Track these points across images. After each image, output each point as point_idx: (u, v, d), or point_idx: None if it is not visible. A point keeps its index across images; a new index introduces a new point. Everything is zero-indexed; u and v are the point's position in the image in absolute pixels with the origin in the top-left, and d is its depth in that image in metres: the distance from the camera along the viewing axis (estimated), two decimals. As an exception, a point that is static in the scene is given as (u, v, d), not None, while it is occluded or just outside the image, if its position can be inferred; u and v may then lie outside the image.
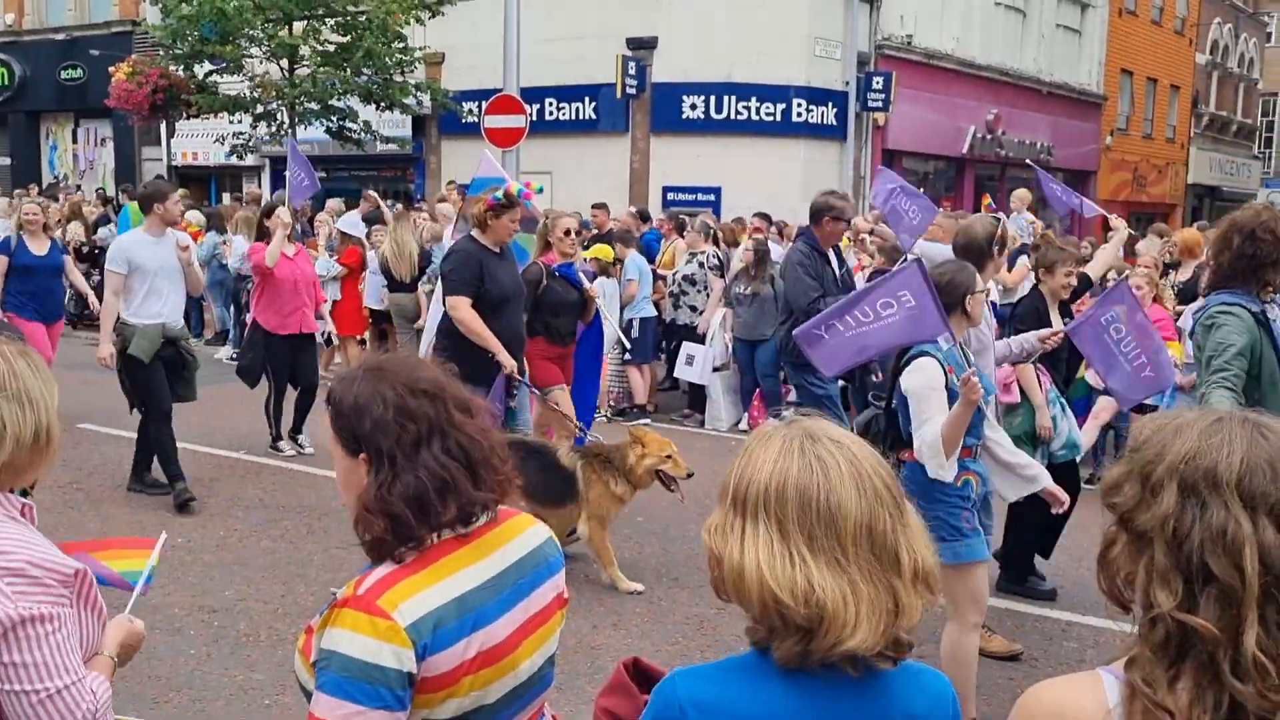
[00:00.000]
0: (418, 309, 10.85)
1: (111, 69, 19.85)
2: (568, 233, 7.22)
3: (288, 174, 11.10)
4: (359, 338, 11.94)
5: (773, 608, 1.51)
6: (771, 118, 18.72)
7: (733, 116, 18.64)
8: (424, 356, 4.07)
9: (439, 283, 7.09)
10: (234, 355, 11.73)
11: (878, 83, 19.43)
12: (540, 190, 8.90)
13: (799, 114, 18.83)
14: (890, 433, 4.44)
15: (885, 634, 1.52)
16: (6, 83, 27.26)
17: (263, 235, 8.86)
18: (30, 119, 27.75)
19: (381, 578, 1.80)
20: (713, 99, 18.58)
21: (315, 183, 11.02)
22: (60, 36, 26.42)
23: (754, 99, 18.63)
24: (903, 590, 1.54)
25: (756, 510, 1.55)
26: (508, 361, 6.41)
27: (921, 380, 4.14)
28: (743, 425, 10.27)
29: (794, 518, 1.53)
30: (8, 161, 27.03)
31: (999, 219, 5.97)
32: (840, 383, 7.91)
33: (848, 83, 19.17)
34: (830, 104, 19.13)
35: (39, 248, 9.09)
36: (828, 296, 6.72)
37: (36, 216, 9.16)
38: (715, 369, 10.29)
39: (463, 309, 6.39)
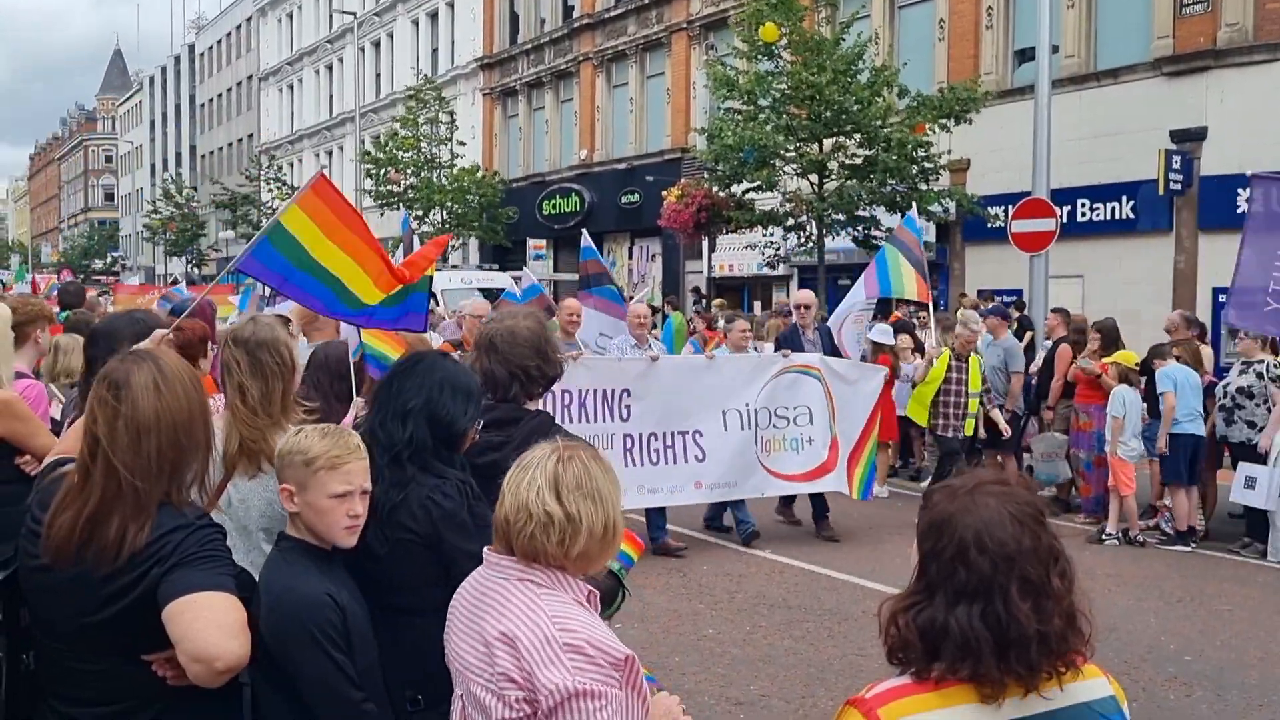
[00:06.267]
0: None
1: (663, 193, 22.15)
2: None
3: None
4: (887, 444, 11.99)
5: None
6: (1353, 206, 16.39)
7: (1301, 208, 16.58)
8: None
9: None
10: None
11: None
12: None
13: (1390, 201, 16.31)
14: None
15: None
16: (579, 208, 31.41)
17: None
18: (595, 239, 31.45)
19: (893, 687, 1.84)
20: (1275, 190, 16.64)
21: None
22: (622, 166, 30.00)
23: (1329, 187, 16.45)
24: None
25: None
26: None
27: None
28: (1316, 560, 8.92)
29: None
30: (576, 276, 30.87)
31: None
32: None
33: None
34: None
35: None
36: None
37: None
38: (1282, 494, 9.06)
39: None
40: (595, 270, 10.69)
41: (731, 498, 9.33)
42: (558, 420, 7.81)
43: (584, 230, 11.25)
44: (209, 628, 2.27)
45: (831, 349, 9.88)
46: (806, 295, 10.54)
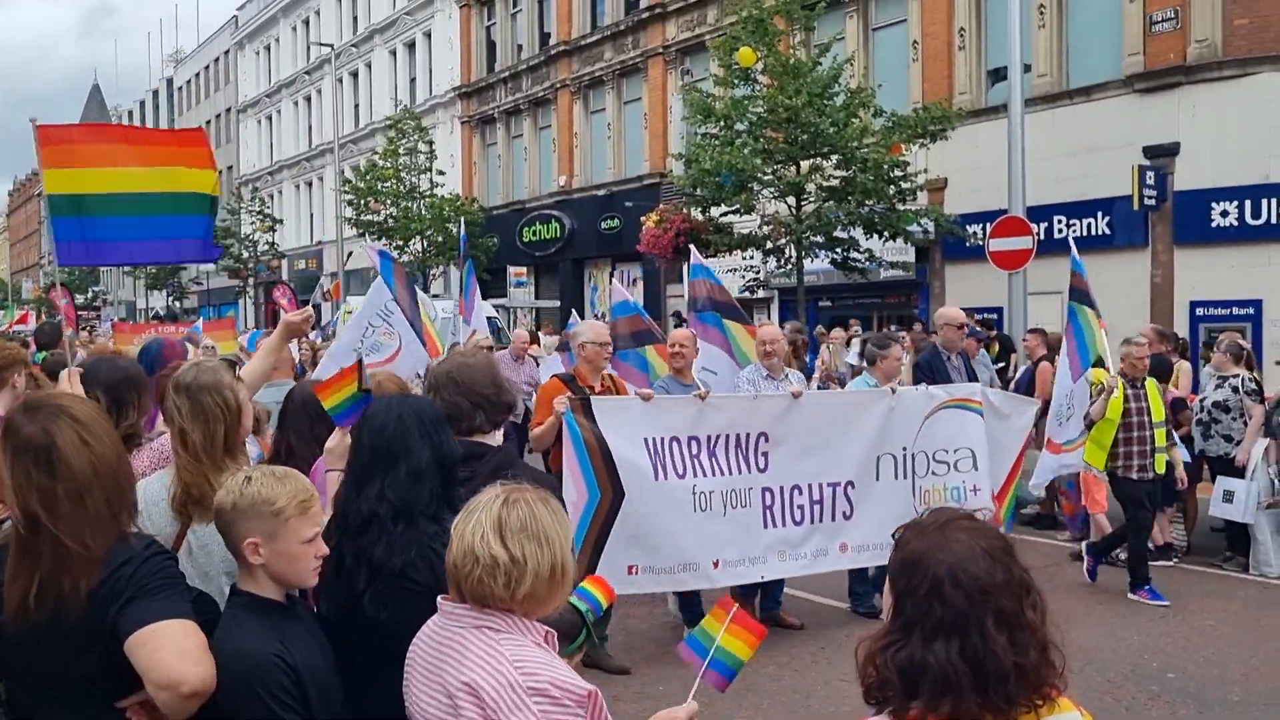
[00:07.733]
0: None
1: (642, 219, 22.22)
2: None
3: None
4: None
5: None
6: (1324, 218, 16.57)
7: (1274, 221, 16.74)
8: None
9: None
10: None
11: None
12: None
13: (1360, 213, 16.51)
14: None
15: None
16: (559, 235, 31.47)
17: None
18: (576, 265, 31.73)
19: None
20: (1248, 203, 16.83)
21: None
22: (601, 192, 30.10)
23: (1300, 199, 16.64)
24: None
25: None
26: None
27: None
28: (1298, 572, 8.95)
29: None
30: (557, 303, 30.93)
31: None
32: None
33: None
34: (1402, 198, 16.57)
35: None
36: None
37: None
38: (1266, 506, 9.08)
39: None
40: (705, 293, 8.73)
41: (882, 562, 7.36)
42: (685, 474, 7.04)
43: (692, 246, 9.21)
44: (170, 655, 2.30)
45: (973, 375, 8.88)
46: (957, 314, 8.98)
